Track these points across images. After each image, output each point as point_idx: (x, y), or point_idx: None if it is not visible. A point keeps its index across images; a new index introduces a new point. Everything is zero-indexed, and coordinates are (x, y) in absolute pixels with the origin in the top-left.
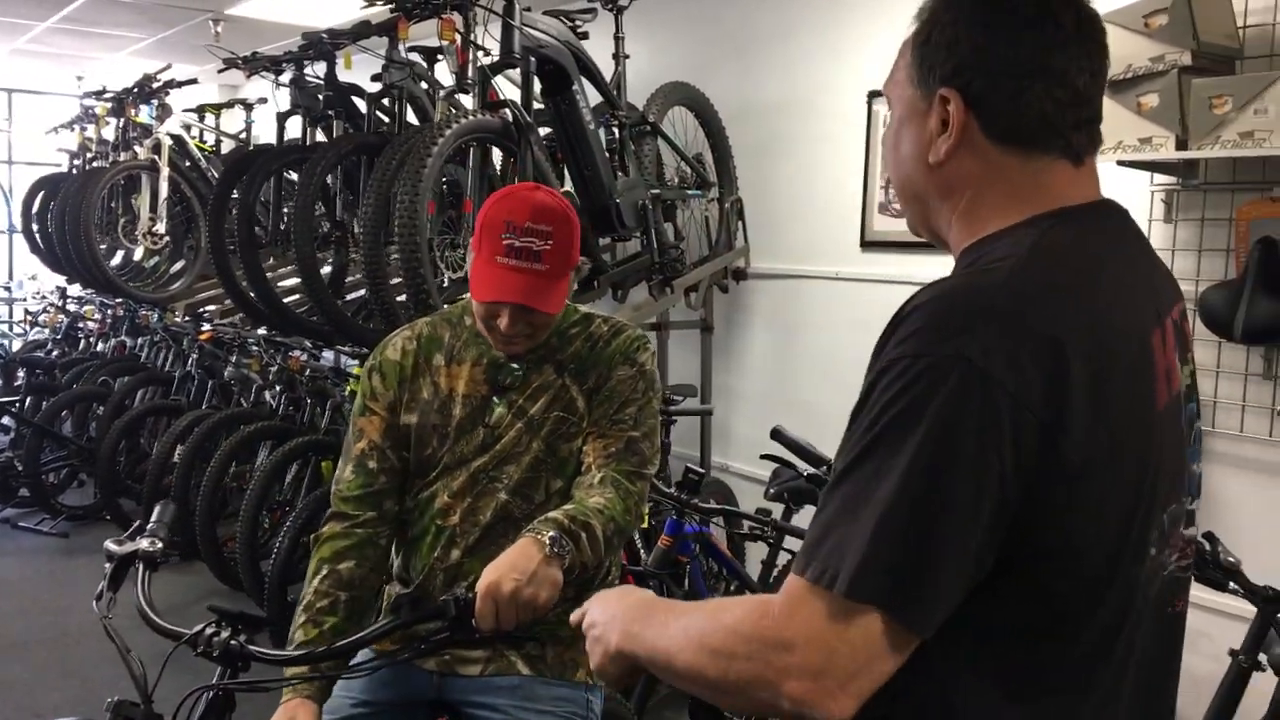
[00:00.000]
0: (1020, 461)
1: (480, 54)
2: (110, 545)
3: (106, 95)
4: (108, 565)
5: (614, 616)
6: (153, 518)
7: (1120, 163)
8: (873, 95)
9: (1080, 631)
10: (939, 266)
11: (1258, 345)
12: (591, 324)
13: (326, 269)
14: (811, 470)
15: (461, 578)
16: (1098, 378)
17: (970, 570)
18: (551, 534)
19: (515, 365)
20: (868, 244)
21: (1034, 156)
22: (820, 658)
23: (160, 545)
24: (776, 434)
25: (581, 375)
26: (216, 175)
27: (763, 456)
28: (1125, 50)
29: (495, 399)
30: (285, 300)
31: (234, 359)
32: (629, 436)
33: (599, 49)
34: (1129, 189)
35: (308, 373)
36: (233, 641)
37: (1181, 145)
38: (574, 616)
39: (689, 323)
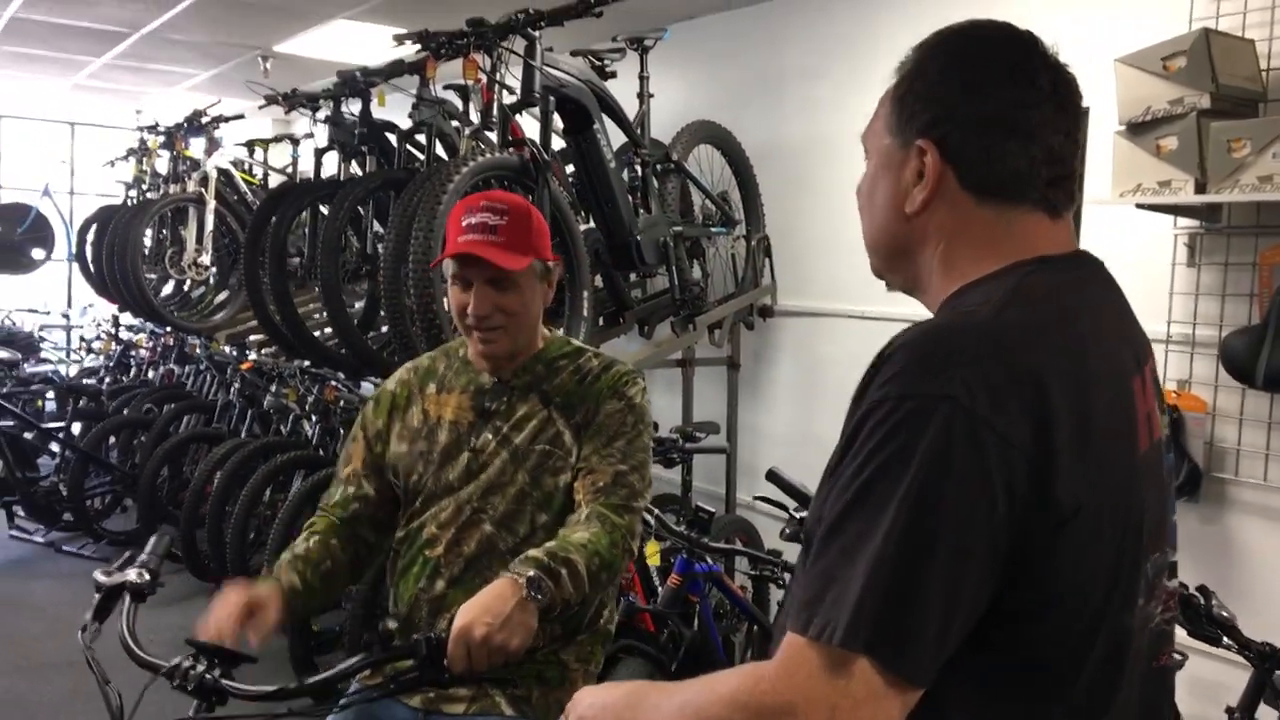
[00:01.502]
0: (1011, 502)
1: (505, 92)
2: (99, 576)
3: (159, 129)
4: (96, 596)
5: (605, 705)
6: (146, 549)
7: (1140, 205)
8: None
9: (1073, 683)
10: None
11: None
12: (581, 357)
13: (360, 303)
14: (805, 514)
15: (445, 609)
16: (1081, 417)
17: (962, 618)
18: (530, 574)
19: (503, 381)
20: None
21: (1009, 208)
22: (824, 716)
23: (148, 578)
24: (772, 476)
25: (569, 409)
26: None
27: (756, 498)
28: (1144, 92)
29: (481, 425)
30: (320, 332)
31: (273, 389)
32: (616, 470)
33: (627, 88)
34: (1151, 232)
35: (341, 403)
36: (207, 676)
37: (1200, 189)
38: (564, 716)
39: (715, 359)
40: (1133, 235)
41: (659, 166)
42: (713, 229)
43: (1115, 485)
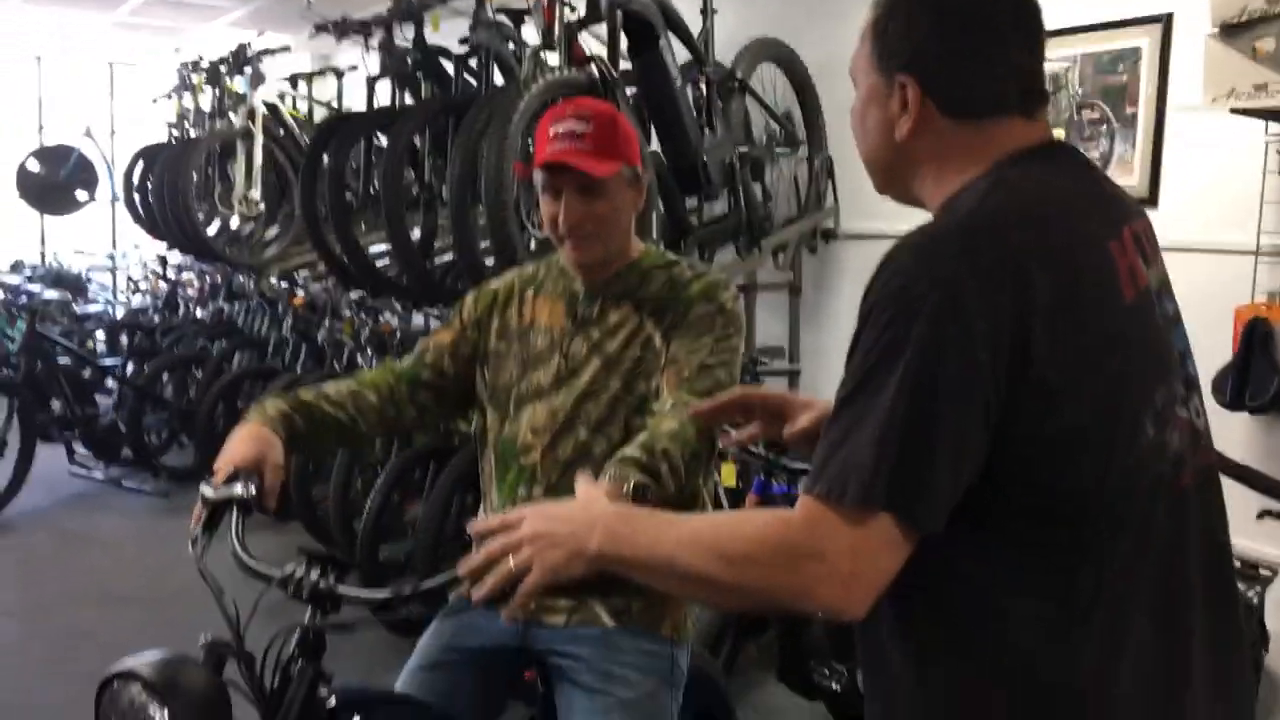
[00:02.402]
0: (999, 364)
1: (567, 10)
2: (205, 490)
3: (202, 65)
4: (202, 510)
5: (591, 520)
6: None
7: (1234, 110)
8: None
9: (1086, 512)
10: None
11: None
12: (676, 267)
13: (415, 232)
14: None
15: None
16: (1062, 283)
17: (966, 466)
18: (635, 480)
19: (596, 290)
20: None
21: (986, 123)
22: (848, 564)
23: (254, 492)
24: None
25: (660, 314)
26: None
27: None
28: None
29: (574, 331)
30: (377, 265)
31: (327, 323)
32: (702, 362)
33: (689, 4)
34: (1243, 140)
35: (398, 336)
36: (322, 583)
37: None
38: (478, 526)
39: (776, 284)
40: (1222, 144)
41: (723, 86)
42: (777, 149)
43: (1102, 337)
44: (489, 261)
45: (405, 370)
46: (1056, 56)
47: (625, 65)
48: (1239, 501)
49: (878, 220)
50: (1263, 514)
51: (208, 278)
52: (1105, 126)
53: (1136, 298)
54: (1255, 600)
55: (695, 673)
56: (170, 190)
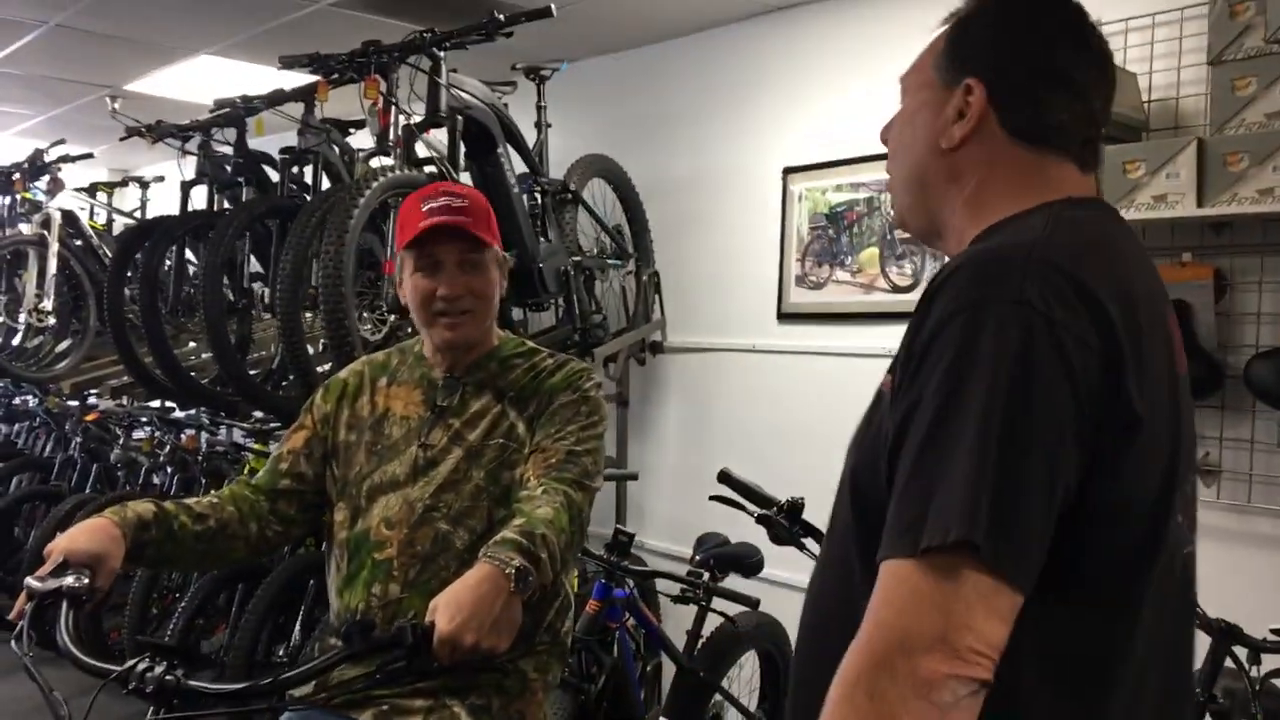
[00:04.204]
0: (1093, 401)
1: (403, 117)
2: (32, 583)
3: None
4: (28, 604)
5: None
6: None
7: None
8: (787, 172)
9: (1127, 594)
10: (858, 338)
11: None
12: (536, 355)
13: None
14: (762, 511)
15: (401, 614)
16: (1133, 331)
17: (1055, 514)
18: (516, 564)
19: (456, 378)
20: (784, 316)
21: (1044, 153)
22: (938, 627)
23: (86, 582)
24: (725, 476)
25: (522, 403)
26: (109, 252)
27: (711, 498)
28: None
29: (433, 420)
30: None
31: (122, 440)
32: (569, 449)
33: (523, 117)
34: None
35: (203, 450)
36: (168, 676)
37: None
38: None
39: (605, 396)
40: None
41: (558, 196)
42: (609, 261)
43: (1164, 393)
44: (322, 367)
45: (261, 482)
46: (872, 180)
47: (464, 176)
48: None
49: (703, 334)
50: None
51: None
52: (917, 245)
53: (1184, 375)
54: None
55: None
56: None
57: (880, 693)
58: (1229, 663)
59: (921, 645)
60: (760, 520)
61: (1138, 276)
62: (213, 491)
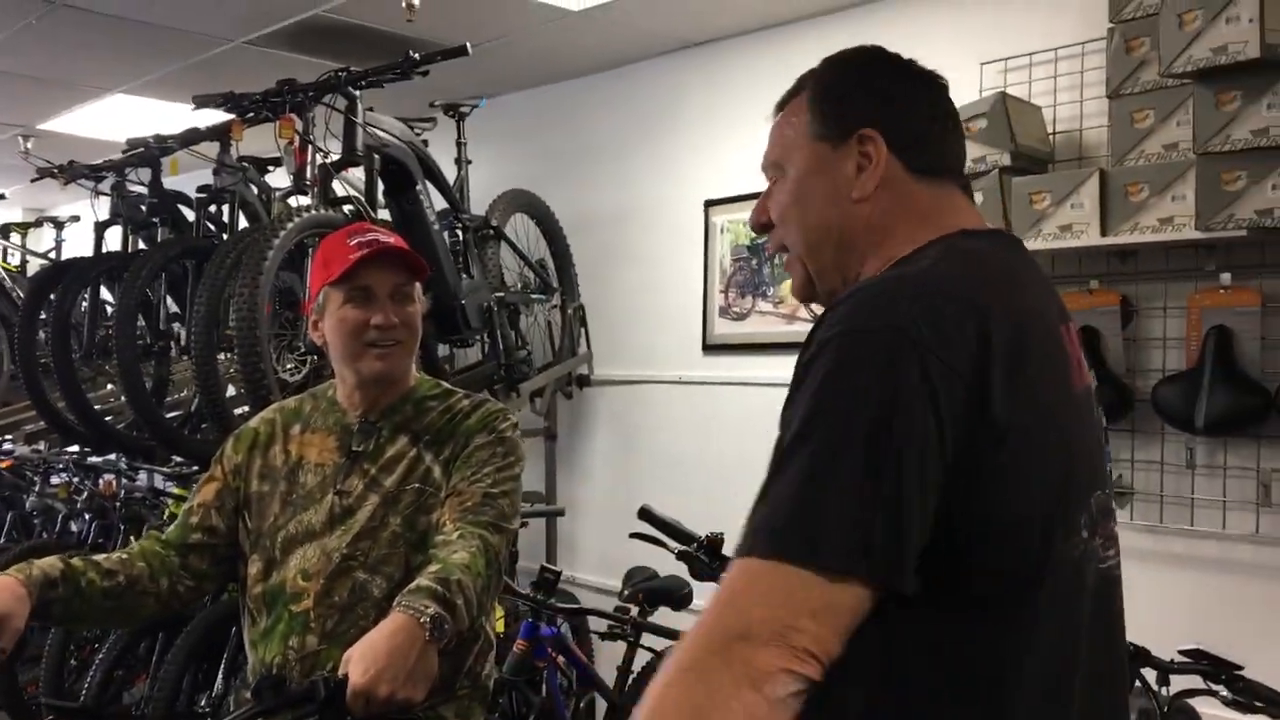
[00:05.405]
0: (955, 422)
1: (319, 155)
2: None
3: None
4: None
5: None
6: None
7: None
8: (709, 204)
9: (1018, 609)
10: (781, 368)
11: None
12: (451, 397)
13: (146, 382)
14: (682, 548)
15: (319, 666)
16: (1017, 348)
17: (920, 530)
18: (432, 612)
19: (371, 422)
20: (709, 347)
21: (942, 185)
22: (777, 625)
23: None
24: (645, 513)
25: (438, 446)
26: (21, 294)
27: (631, 535)
28: None
29: (348, 467)
30: (104, 418)
31: (38, 487)
32: (485, 492)
33: (443, 154)
34: None
35: (122, 495)
36: None
37: None
38: None
39: (532, 431)
40: None
41: (479, 232)
42: (532, 295)
43: (1053, 410)
44: (239, 410)
45: (172, 537)
46: None
47: (383, 213)
48: None
49: (630, 367)
50: None
51: None
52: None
53: (1083, 391)
54: None
55: None
56: None
57: (713, 678)
58: (1138, 684)
59: (761, 638)
60: (681, 557)
61: (1030, 298)
62: (125, 547)
